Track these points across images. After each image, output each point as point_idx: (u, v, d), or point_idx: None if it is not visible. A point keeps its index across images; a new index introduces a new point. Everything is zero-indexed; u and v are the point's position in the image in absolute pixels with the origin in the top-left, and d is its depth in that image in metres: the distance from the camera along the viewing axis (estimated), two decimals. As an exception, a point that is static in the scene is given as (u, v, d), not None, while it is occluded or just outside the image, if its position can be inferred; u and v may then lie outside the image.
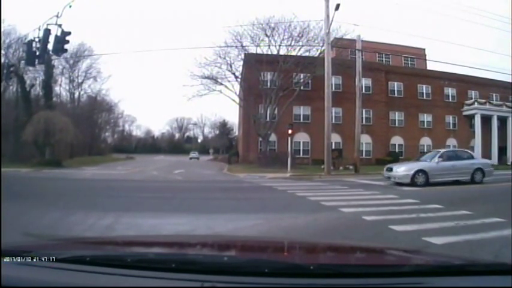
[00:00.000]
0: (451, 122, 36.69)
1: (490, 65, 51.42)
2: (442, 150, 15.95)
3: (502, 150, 35.03)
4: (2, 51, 28.69)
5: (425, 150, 35.84)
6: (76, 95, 50.64)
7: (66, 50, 14.31)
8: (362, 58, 24.00)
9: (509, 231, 5.56)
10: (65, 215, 7.16)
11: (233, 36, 29.18)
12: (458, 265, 1.48)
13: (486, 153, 34.72)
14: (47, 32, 13.26)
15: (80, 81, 49.49)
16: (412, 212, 7.77)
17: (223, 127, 79.02)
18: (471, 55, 75.45)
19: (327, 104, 20.35)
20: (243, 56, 30.92)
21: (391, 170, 14.65)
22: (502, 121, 35.61)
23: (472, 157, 15.42)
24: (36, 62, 14.73)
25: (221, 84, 31.18)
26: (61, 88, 47.77)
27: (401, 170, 14.36)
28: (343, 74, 29.31)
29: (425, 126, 35.94)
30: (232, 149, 49.51)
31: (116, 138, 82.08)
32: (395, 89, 35.47)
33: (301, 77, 31.07)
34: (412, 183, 13.53)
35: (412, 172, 13.82)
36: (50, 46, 13.50)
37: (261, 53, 30.17)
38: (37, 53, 13.84)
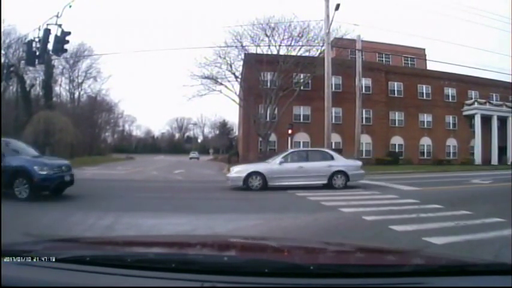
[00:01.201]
0: (451, 122, 36.69)
1: (490, 65, 51.51)
2: (291, 150, 14.42)
3: (502, 150, 35.06)
4: (2, 51, 28.71)
5: (425, 150, 35.99)
6: (76, 95, 50.75)
7: (66, 50, 14.30)
8: (362, 58, 24.01)
9: (509, 231, 5.57)
10: (65, 215, 7.17)
11: (233, 36, 29.22)
12: (458, 265, 1.48)
13: (486, 153, 34.81)
14: (47, 32, 13.25)
15: (80, 81, 49.60)
16: (412, 212, 7.77)
17: (223, 127, 79.08)
18: (471, 55, 75.52)
19: (327, 104, 20.34)
20: (243, 56, 30.94)
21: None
22: (502, 121, 35.63)
23: (331, 158, 13.17)
24: (36, 62, 14.73)
25: (221, 84, 31.21)
26: (61, 88, 47.89)
27: (235, 171, 12.99)
28: (343, 74, 29.31)
29: (425, 126, 35.94)
30: (232, 149, 49.53)
31: (116, 138, 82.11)
32: (395, 89, 35.48)
33: (301, 77, 31.07)
34: (246, 186, 12.17)
35: (245, 174, 12.37)
36: (50, 46, 13.49)
37: (261, 53, 30.17)
38: (37, 53, 13.83)
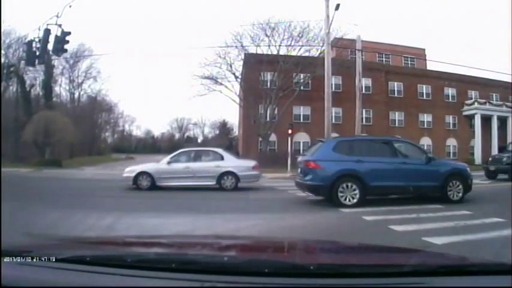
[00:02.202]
0: (451, 122, 36.68)
1: (490, 65, 51.49)
2: (181, 150, 14.18)
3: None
4: (2, 51, 28.69)
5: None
6: (76, 95, 50.62)
7: (66, 50, 14.30)
8: (362, 58, 23.99)
9: (509, 231, 5.57)
10: (65, 215, 7.16)
11: (233, 36, 29.23)
12: (458, 265, 1.48)
13: (486, 153, 34.73)
14: (47, 32, 13.25)
15: (80, 81, 49.47)
16: (412, 212, 7.77)
17: (223, 127, 78.96)
18: (471, 55, 75.53)
19: (327, 104, 20.32)
20: (243, 56, 30.92)
21: None
22: (502, 121, 35.61)
23: (221, 158, 12.74)
24: (36, 62, 14.72)
25: (221, 84, 31.20)
26: (61, 88, 47.75)
27: (126, 170, 12.90)
28: (343, 74, 29.29)
29: (425, 126, 35.93)
30: (232, 149, 49.50)
31: (116, 138, 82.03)
32: (395, 89, 35.47)
33: (301, 77, 31.07)
34: (137, 186, 12.17)
35: (134, 174, 12.36)
36: (50, 46, 13.49)
37: (261, 53, 30.18)
38: (37, 53, 13.83)
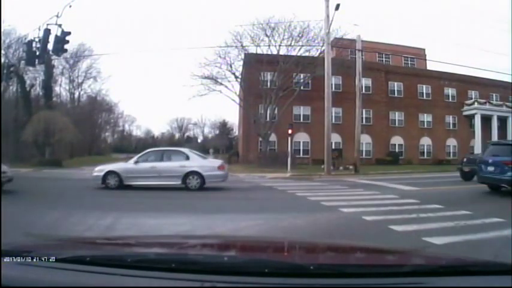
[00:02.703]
0: (451, 122, 36.71)
1: (490, 65, 51.51)
2: (148, 150, 14.21)
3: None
4: (2, 51, 28.70)
5: (425, 150, 36.00)
6: (76, 95, 50.60)
7: (66, 50, 14.32)
8: (362, 58, 24.02)
9: (509, 231, 5.57)
10: (65, 215, 7.17)
11: (233, 36, 29.23)
12: (458, 265, 1.48)
13: (486, 153, 34.72)
14: (47, 32, 13.26)
15: (80, 81, 49.44)
16: (412, 212, 7.77)
17: (223, 127, 78.97)
18: (471, 55, 75.52)
19: (327, 104, 20.35)
20: (243, 56, 30.93)
21: None
22: (502, 121, 35.61)
23: (186, 158, 12.79)
24: (36, 62, 14.74)
25: (221, 84, 31.20)
26: (61, 88, 47.72)
27: (96, 170, 13.07)
28: (343, 74, 29.32)
29: (425, 126, 35.96)
30: (232, 149, 49.51)
31: (116, 138, 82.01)
32: (395, 89, 35.49)
33: (301, 77, 31.08)
34: (106, 185, 12.31)
35: (103, 173, 12.54)
36: (50, 46, 13.51)
37: (261, 53, 30.18)
38: (37, 53, 13.84)
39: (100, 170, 12.87)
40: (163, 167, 12.52)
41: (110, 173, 12.51)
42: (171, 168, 12.48)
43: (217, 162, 13.74)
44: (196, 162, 12.78)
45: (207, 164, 13.00)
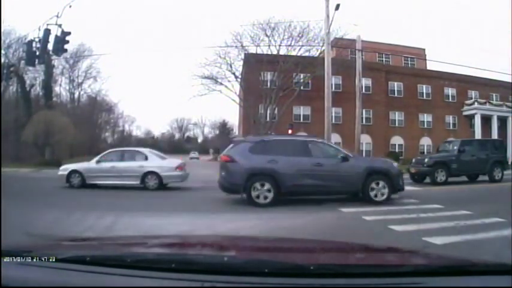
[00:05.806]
0: (451, 122, 36.69)
1: (490, 65, 51.49)
2: (110, 150, 14.57)
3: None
4: (2, 51, 28.69)
5: (425, 150, 35.97)
6: (76, 95, 50.64)
7: (66, 50, 14.30)
8: (362, 58, 23.98)
9: (509, 231, 5.57)
10: (65, 215, 7.16)
11: (233, 36, 29.24)
12: (458, 265, 1.48)
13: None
14: (47, 32, 13.25)
15: (80, 81, 49.46)
16: (412, 212, 7.77)
17: (223, 127, 78.96)
18: (471, 55, 75.53)
19: (327, 104, 20.31)
20: (243, 56, 30.95)
21: None
22: (502, 121, 35.60)
23: (145, 158, 12.97)
24: (36, 62, 14.72)
25: (221, 84, 31.24)
26: (61, 88, 47.74)
27: (61, 169, 13.27)
28: (343, 74, 29.29)
29: (425, 126, 35.94)
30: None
31: (116, 139, 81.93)
32: (395, 89, 35.49)
33: (301, 77, 31.08)
34: (69, 184, 12.55)
35: (67, 172, 12.79)
36: (50, 46, 13.49)
37: (261, 53, 30.19)
38: (37, 53, 13.83)
39: (64, 169, 13.09)
40: (123, 166, 12.70)
41: (73, 172, 12.76)
42: (130, 168, 12.65)
43: (176, 162, 13.72)
44: (155, 162, 12.91)
45: (165, 165, 13.04)
